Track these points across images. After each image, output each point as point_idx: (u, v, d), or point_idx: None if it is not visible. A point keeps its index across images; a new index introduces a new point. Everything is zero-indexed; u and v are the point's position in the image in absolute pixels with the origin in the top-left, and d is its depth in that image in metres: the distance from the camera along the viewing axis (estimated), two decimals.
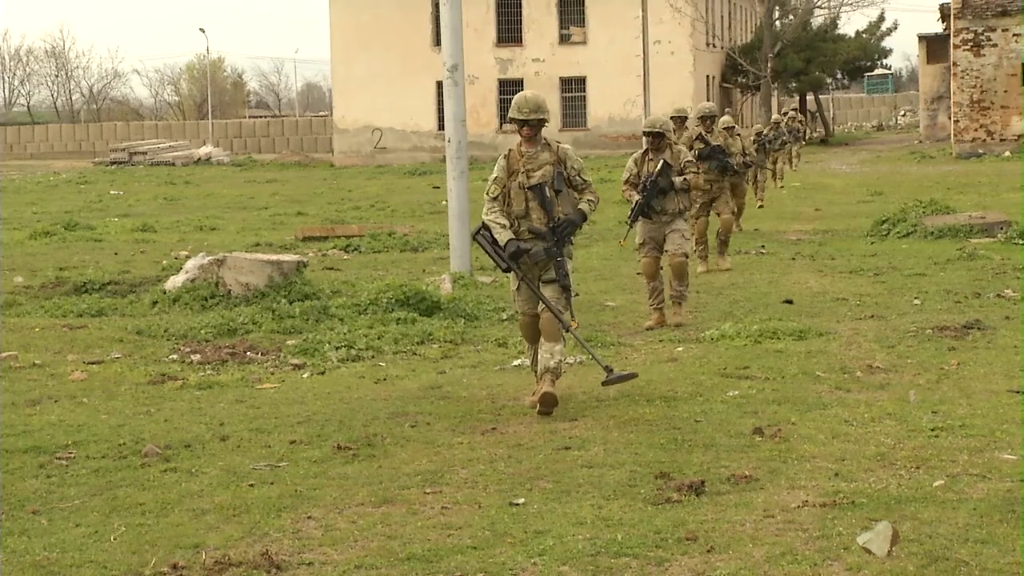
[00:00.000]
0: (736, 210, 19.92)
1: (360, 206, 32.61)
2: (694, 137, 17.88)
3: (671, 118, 18.93)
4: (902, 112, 79.66)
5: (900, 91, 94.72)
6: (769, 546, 6.47)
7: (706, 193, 17.33)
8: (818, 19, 62.58)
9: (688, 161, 13.41)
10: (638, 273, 17.11)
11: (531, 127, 9.78)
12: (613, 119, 53.36)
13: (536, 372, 9.91)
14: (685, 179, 13.30)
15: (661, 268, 13.51)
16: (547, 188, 9.73)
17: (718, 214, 18.10)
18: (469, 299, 15.00)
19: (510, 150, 9.92)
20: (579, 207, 9.85)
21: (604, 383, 9.85)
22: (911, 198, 24.46)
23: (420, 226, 25.72)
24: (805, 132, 41.56)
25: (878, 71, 78.50)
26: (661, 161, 13.19)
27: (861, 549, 6.32)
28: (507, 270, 9.92)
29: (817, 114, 67.23)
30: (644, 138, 13.49)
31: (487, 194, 9.84)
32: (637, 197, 13.24)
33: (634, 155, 13.57)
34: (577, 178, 9.89)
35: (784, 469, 7.90)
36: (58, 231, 25.84)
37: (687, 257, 13.56)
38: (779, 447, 8.40)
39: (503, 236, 9.74)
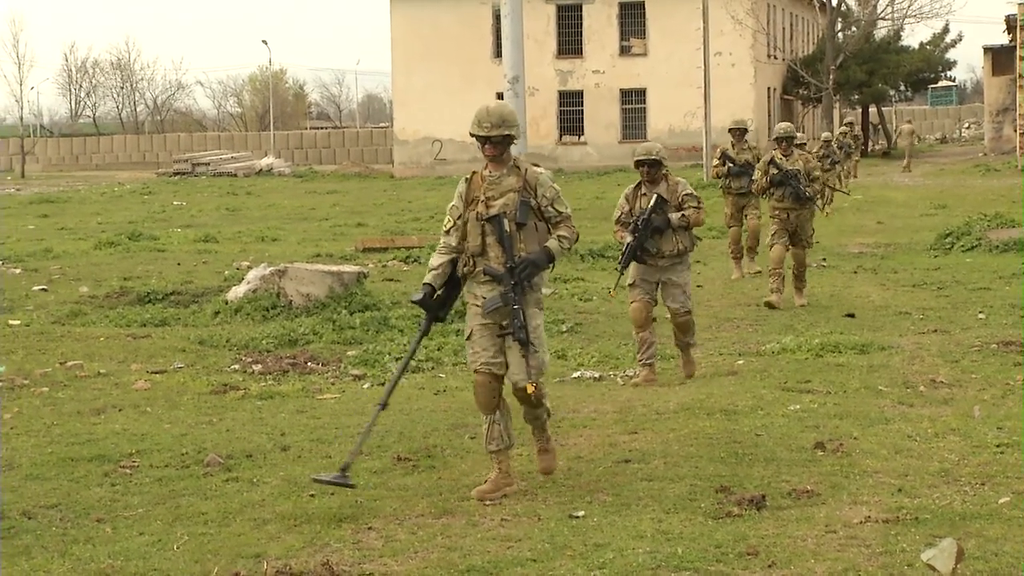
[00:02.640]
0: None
1: (420, 217, 32.70)
2: (768, 161, 16.22)
3: (730, 130, 18.83)
4: (966, 124, 78.94)
5: (964, 103, 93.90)
6: (831, 562, 6.42)
7: (782, 223, 15.74)
8: (881, 31, 62.14)
9: (687, 194, 11.45)
10: (698, 286, 17.05)
11: (494, 145, 7.95)
12: (673, 131, 53.23)
13: (496, 450, 8.05)
14: (684, 216, 11.38)
15: (654, 318, 11.78)
16: (505, 221, 7.92)
17: (794, 245, 15.96)
18: None
19: (473, 173, 8.18)
20: (546, 244, 8.00)
21: None
22: (975, 211, 24.25)
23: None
24: (858, 148, 40.94)
25: (942, 83, 77.79)
26: (655, 196, 11.38)
27: (925, 566, 6.25)
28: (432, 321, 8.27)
29: (879, 127, 66.76)
30: (638, 169, 11.56)
31: (443, 227, 8.26)
32: (629, 239, 11.40)
33: (625, 190, 11.78)
34: (549, 209, 8.04)
35: (846, 484, 7.84)
36: (122, 241, 26.07)
37: (690, 313, 11.66)
38: (841, 462, 8.33)
39: (428, 279, 8.20)
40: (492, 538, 6.97)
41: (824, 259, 20.39)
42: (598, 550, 6.67)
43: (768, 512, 7.32)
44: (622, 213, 11.62)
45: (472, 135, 7.99)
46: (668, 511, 7.39)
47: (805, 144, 28.53)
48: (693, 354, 11.85)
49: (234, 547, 6.95)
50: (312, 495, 7.98)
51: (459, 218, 8.08)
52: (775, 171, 16.04)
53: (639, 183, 11.59)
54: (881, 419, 9.52)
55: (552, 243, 8.01)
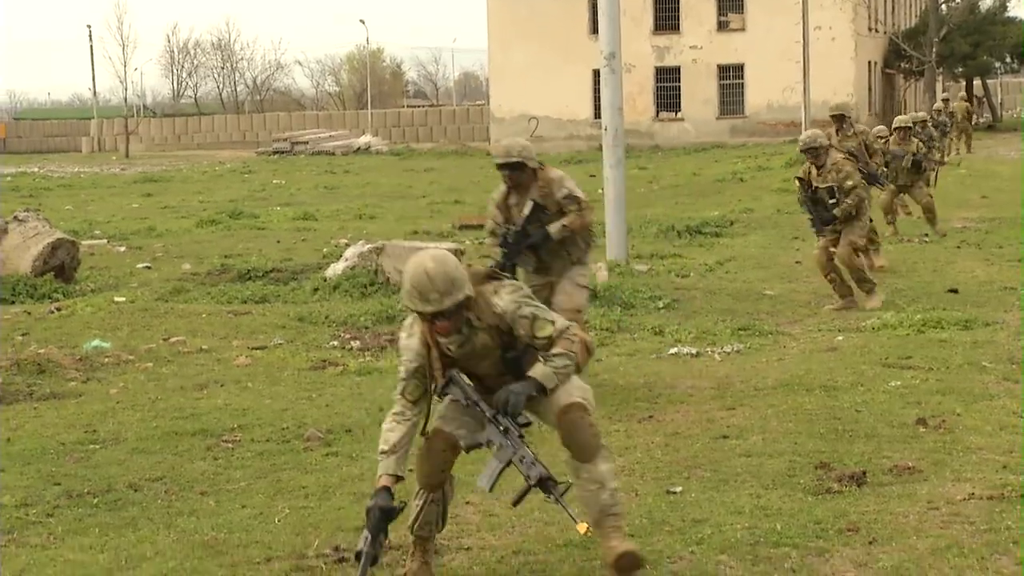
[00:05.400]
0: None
1: None
2: (796, 177, 14.46)
3: (831, 116, 17.63)
4: None
5: None
6: (934, 539, 6.35)
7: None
8: (987, 2, 61.08)
9: (567, 196, 9.56)
10: (796, 262, 16.92)
11: (448, 317, 5.76)
12: (772, 106, 52.75)
13: (419, 535, 6.17)
14: (565, 226, 9.58)
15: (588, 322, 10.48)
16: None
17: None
18: (625, 287, 14.96)
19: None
20: (531, 374, 5.87)
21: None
22: None
23: None
24: (964, 123, 40.07)
25: None
26: (530, 203, 9.58)
27: None
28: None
29: (984, 100, 65.66)
30: (500, 172, 9.75)
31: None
32: (498, 257, 9.67)
33: (494, 195, 9.91)
34: (533, 340, 5.90)
35: (949, 461, 7.74)
36: (223, 220, 26.39)
37: (581, 313, 9.89)
38: (944, 438, 8.23)
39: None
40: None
41: (926, 234, 20.12)
42: (696, 526, 6.65)
43: (869, 488, 7.26)
44: (494, 225, 9.83)
45: (415, 311, 5.79)
46: (767, 487, 7.35)
47: (923, 121, 28.03)
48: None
49: (334, 520, 7.02)
50: (410, 470, 8.01)
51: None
52: (800, 194, 14.14)
53: (508, 188, 9.75)
54: (985, 395, 9.39)
55: (539, 368, 5.82)
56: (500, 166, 9.56)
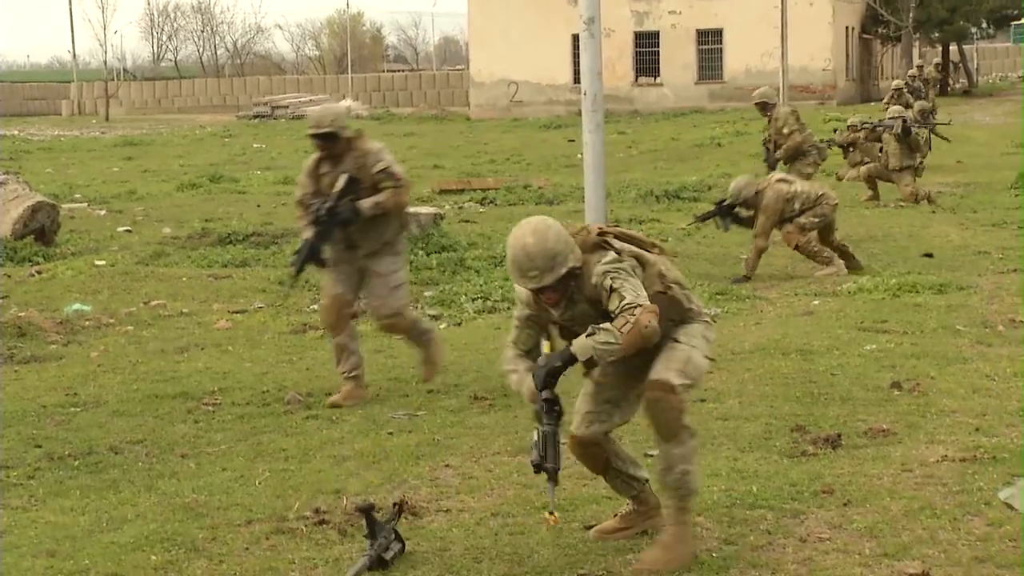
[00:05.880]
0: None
1: (496, 159, 32.71)
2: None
3: (756, 104, 17.64)
4: None
5: None
6: (907, 500, 6.44)
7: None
8: None
9: (383, 171, 8.88)
10: None
11: None
12: (750, 71, 52.71)
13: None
14: (378, 203, 8.83)
15: (355, 315, 9.42)
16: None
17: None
18: None
19: None
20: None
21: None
22: None
23: (555, 179, 25.74)
24: (935, 87, 39.88)
25: None
26: (344, 176, 8.85)
27: (1003, 505, 6.23)
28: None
29: (961, 65, 65.74)
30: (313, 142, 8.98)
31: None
32: (306, 233, 8.94)
33: (307, 162, 9.14)
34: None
35: (923, 423, 7.83)
36: (204, 183, 26.35)
37: (400, 315, 9.13)
38: (918, 401, 8.32)
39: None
40: (567, 475, 7.00)
41: (901, 200, 20.20)
42: None
43: (844, 451, 7.34)
44: (304, 194, 9.05)
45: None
46: (743, 450, 7.43)
47: (899, 89, 28.11)
48: (434, 353, 9.30)
49: (314, 483, 7.08)
50: (390, 433, 8.10)
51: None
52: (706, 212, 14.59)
53: (320, 158, 9.02)
54: (959, 359, 9.48)
55: (580, 339, 5.57)
56: (311, 136, 8.87)
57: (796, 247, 13.85)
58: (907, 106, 27.49)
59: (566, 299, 5.63)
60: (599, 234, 5.67)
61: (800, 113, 17.87)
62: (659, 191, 22.05)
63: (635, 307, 5.40)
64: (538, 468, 5.58)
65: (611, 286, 5.48)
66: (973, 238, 16.06)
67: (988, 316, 10.99)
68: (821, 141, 18.51)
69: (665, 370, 5.67)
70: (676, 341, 5.73)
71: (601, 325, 5.43)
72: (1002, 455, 7.09)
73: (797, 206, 13.72)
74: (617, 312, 5.43)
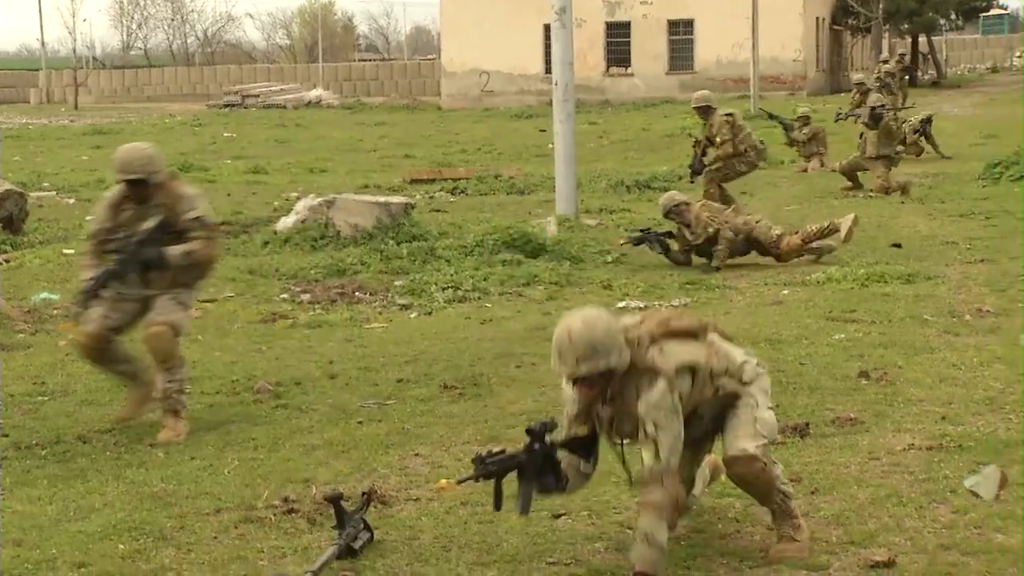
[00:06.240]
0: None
1: (467, 149, 32.68)
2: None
3: (695, 108, 17.77)
4: (1018, 54, 77.76)
5: (1017, 32, 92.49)
6: (874, 488, 6.48)
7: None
8: None
9: (195, 219, 8.16)
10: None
11: None
12: (721, 62, 52.80)
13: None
14: (188, 252, 8.10)
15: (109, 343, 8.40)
16: None
17: None
18: (574, 241, 15.04)
19: None
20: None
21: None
22: None
23: (526, 169, 25.74)
24: (902, 80, 39.80)
25: (994, 11, 76.62)
26: (155, 219, 8.09)
27: (968, 492, 6.30)
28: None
29: (929, 56, 65.99)
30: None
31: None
32: (89, 274, 8.15)
33: (109, 194, 8.34)
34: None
35: (890, 412, 7.88)
36: (174, 172, 26.21)
37: (171, 328, 8.19)
38: (885, 390, 8.37)
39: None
40: None
41: (871, 189, 20.28)
42: None
43: (811, 440, 7.38)
44: (100, 228, 8.24)
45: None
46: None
47: (860, 83, 28.28)
48: (182, 421, 8.08)
49: (283, 472, 7.08)
50: (360, 422, 8.10)
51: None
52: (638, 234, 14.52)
53: (124, 196, 8.19)
54: (926, 348, 9.54)
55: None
56: (120, 180, 8.13)
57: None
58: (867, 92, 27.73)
59: (612, 402, 5.50)
60: (651, 340, 5.49)
61: (740, 116, 17.92)
62: (630, 181, 22.08)
63: (661, 479, 5.36)
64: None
65: (651, 433, 5.39)
66: (941, 228, 16.15)
67: (955, 306, 11.05)
68: (789, 128, 18.64)
69: (736, 440, 5.65)
70: (735, 408, 5.70)
71: (645, 528, 5.35)
72: (968, 443, 7.14)
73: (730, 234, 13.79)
74: (643, 481, 5.41)
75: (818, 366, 9.06)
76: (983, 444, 7.13)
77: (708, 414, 5.66)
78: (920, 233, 15.78)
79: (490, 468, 5.26)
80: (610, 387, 5.46)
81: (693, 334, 5.65)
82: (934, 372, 8.79)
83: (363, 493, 6.19)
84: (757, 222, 14.03)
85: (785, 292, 12.14)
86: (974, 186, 20.54)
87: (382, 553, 5.85)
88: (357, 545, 5.81)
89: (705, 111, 17.52)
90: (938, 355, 9.30)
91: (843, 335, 10.01)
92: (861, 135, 20.48)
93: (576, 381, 5.44)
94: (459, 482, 5.38)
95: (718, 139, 17.18)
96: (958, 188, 20.36)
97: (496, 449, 5.40)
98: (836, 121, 21.15)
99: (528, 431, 5.47)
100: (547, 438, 5.47)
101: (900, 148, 20.97)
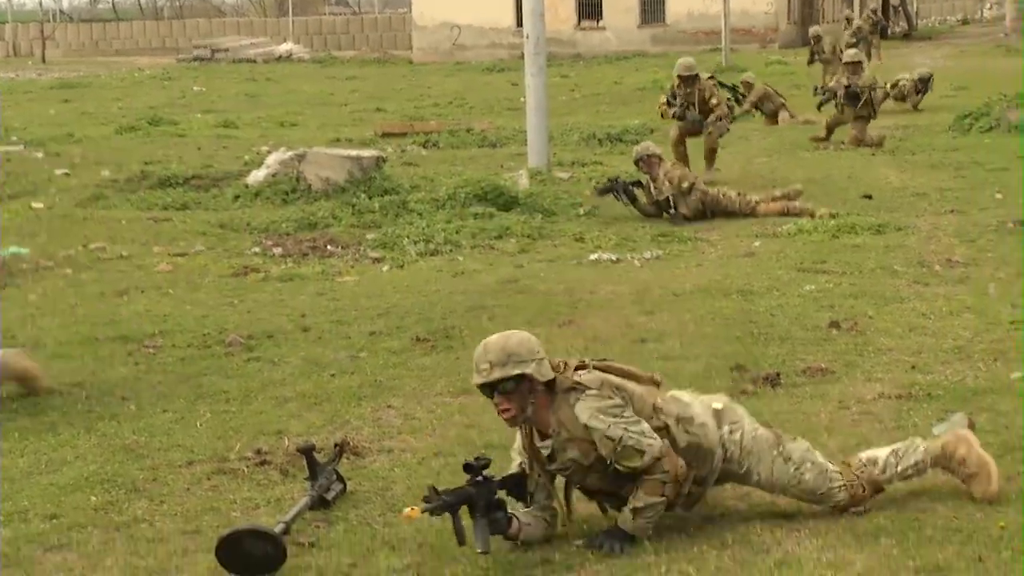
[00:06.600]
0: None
1: (439, 103, 32.56)
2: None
3: (681, 76, 16.95)
4: (988, 6, 77.87)
5: None
6: (844, 437, 6.53)
7: None
8: None
9: None
10: (716, 169, 17.01)
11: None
12: (692, 15, 52.62)
13: None
14: None
15: None
16: None
17: None
18: (546, 194, 15.03)
19: None
20: None
21: None
22: (995, 92, 24.04)
23: (498, 122, 25.67)
24: (876, 33, 39.52)
25: None
26: None
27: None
28: None
29: (901, 8, 65.98)
30: None
31: None
32: None
33: None
34: None
35: (860, 362, 7.93)
36: (143, 126, 26.06)
37: None
38: (855, 340, 8.42)
39: None
40: None
41: (843, 141, 20.29)
42: None
43: (783, 390, 7.43)
44: None
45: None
46: (684, 389, 7.47)
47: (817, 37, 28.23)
48: None
49: (256, 424, 7.09)
50: (332, 375, 8.10)
51: None
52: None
53: None
54: (896, 298, 9.59)
55: (628, 520, 5.40)
56: None
57: None
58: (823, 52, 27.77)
59: (542, 434, 5.39)
60: (577, 367, 5.42)
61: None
62: (601, 134, 22.03)
63: (660, 463, 5.29)
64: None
65: (618, 436, 5.25)
66: (912, 179, 16.19)
67: (925, 256, 11.11)
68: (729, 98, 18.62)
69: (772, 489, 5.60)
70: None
71: (639, 504, 5.30)
72: (937, 392, 7.20)
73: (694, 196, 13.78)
74: (644, 471, 5.29)
75: (789, 317, 9.10)
76: (952, 392, 7.19)
77: None
78: (891, 184, 15.82)
79: (445, 500, 5.12)
80: (530, 405, 5.30)
81: (634, 376, 5.54)
82: (904, 322, 8.85)
83: (335, 445, 6.21)
84: (724, 195, 13.98)
85: (757, 244, 12.17)
86: (945, 137, 20.58)
87: (355, 504, 5.88)
88: (330, 496, 5.83)
89: (691, 80, 17.17)
90: (908, 305, 9.35)
91: (814, 286, 10.05)
92: (837, 105, 20.35)
93: (489, 392, 5.33)
94: (422, 511, 5.20)
95: (713, 100, 17.02)
96: (929, 140, 20.40)
97: (444, 488, 5.21)
98: (819, 109, 21.02)
99: (466, 467, 5.30)
100: (485, 473, 5.29)
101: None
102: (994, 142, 19.45)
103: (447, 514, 5.15)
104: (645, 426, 5.34)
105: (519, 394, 5.31)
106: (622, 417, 5.31)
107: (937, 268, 10.62)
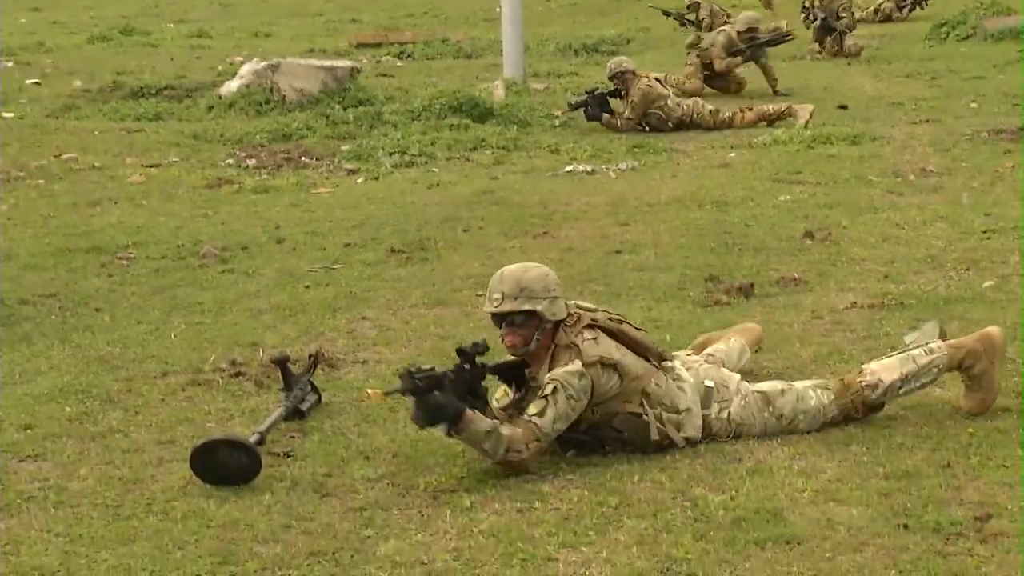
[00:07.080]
0: None
1: (414, 13, 32.26)
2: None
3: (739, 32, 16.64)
4: None
5: None
6: (816, 346, 6.57)
7: None
8: None
9: None
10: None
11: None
12: None
13: None
14: None
15: None
16: None
17: None
18: (522, 105, 14.96)
19: None
20: None
21: None
22: (972, 0, 23.97)
23: (473, 33, 25.47)
24: None
25: None
26: None
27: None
28: None
29: None
30: None
31: None
32: None
33: None
34: None
35: (833, 272, 7.96)
36: (115, 36, 25.78)
37: None
38: (829, 250, 8.45)
39: None
40: (485, 327, 6.99)
41: (820, 51, 20.22)
42: None
43: (756, 300, 7.46)
44: None
45: None
46: (658, 299, 7.52)
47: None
48: None
49: (230, 336, 7.09)
50: (307, 286, 8.10)
51: None
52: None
53: None
54: (870, 208, 9.61)
55: (484, 422, 5.16)
56: None
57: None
58: None
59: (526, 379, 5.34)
60: (588, 325, 5.32)
61: None
62: (578, 45, 21.91)
63: (535, 429, 5.14)
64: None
65: (547, 395, 5.17)
66: (887, 89, 16.17)
67: (900, 166, 11.12)
68: None
69: None
70: None
71: (502, 429, 5.09)
72: (909, 301, 7.24)
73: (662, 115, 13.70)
74: (523, 424, 5.16)
75: (763, 227, 9.12)
76: (924, 301, 7.24)
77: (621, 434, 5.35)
78: (866, 94, 15.80)
79: (417, 383, 5.00)
80: (535, 341, 5.28)
81: (644, 348, 5.45)
82: (877, 232, 8.88)
83: (310, 356, 6.22)
84: (698, 113, 13.87)
85: (732, 155, 12.16)
86: (921, 46, 20.54)
87: (330, 415, 5.90)
88: (305, 407, 5.85)
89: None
90: (881, 215, 9.38)
91: (788, 196, 10.06)
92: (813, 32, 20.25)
93: (501, 324, 5.31)
94: (386, 393, 5.22)
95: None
96: (905, 49, 20.35)
97: (426, 366, 5.14)
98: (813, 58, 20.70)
99: (459, 351, 5.28)
100: (477, 360, 5.30)
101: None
102: (970, 50, 19.43)
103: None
104: (564, 423, 5.20)
105: (526, 328, 5.27)
106: (567, 404, 5.18)
107: (911, 178, 10.64)
